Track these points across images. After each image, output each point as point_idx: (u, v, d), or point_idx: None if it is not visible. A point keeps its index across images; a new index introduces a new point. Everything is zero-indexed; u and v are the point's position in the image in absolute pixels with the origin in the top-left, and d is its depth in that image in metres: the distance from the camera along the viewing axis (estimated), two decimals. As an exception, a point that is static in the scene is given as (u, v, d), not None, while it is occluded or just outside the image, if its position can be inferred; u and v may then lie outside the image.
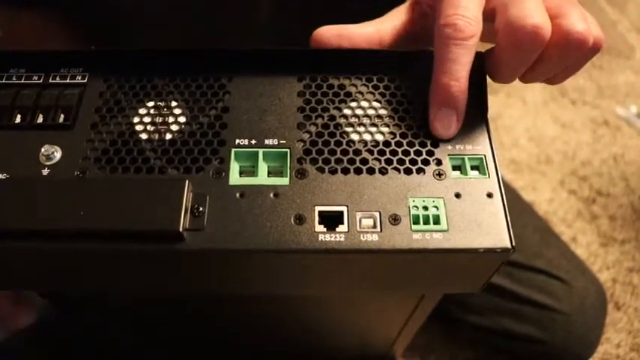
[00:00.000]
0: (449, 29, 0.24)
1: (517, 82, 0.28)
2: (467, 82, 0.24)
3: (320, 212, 0.22)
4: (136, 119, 0.25)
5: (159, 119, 0.25)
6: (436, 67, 0.25)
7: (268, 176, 0.24)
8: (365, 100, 0.26)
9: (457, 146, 0.25)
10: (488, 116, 0.26)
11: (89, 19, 0.44)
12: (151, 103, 0.26)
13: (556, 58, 0.25)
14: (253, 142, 0.24)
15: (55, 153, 0.24)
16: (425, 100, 0.26)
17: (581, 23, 0.25)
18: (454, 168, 0.24)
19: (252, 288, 0.26)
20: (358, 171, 0.24)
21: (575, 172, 0.90)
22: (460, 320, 0.62)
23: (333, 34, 0.27)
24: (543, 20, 0.24)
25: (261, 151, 0.24)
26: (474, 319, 0.61)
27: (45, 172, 0.23)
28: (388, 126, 0.25)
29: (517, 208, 0.65)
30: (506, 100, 1.00)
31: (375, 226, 0.22)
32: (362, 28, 0.28)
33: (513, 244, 0.22)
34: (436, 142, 0.25)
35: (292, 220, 0.22)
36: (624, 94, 1.04)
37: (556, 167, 0.91)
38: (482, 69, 0.26)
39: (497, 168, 0.24)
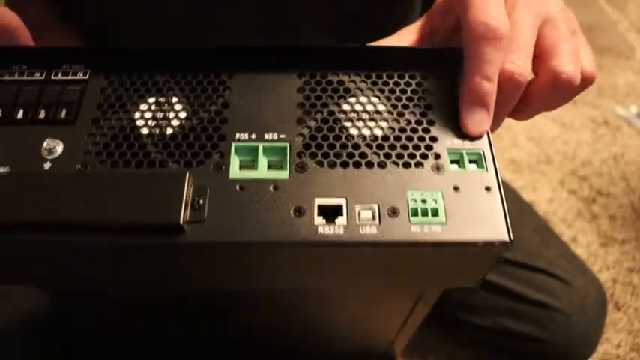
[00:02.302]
0: (482, 28, 0.25)
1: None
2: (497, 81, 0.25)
3: (319, 205, 0.23)
4: (137, 114, 0.25)
5: (160, 114, 0.25)
6: (470, 66, 0.25)
7: (268, 170, 0.24)
8: (364, 95, 0.26)
9: (456, 141, 0.25)
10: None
11: (87, 15, 0.44)
12: (151, 99, 0.26)
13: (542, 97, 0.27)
14: (253, 136, 0.25)
15: (57, 147, 0.24)
16: (423, 96, 0.26)
17: (570, 64, 0.26)
18: (452, 162, 0.24)
19: (251, 282, 0.26)
20: (357, 165, 0.24)
21: (575, 172, 0.90)
22: (460, 320, 0.62)
23: None
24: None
25: (261, 145, 0.24)
26: (474, 318, 0.61)
27: (47, 166, 0.24)
28: (387, 121, 0.25)
29: (517, 208, 0.66)
30: (506, 101, 1.00)
31: (373, 219, 0.22)
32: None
33: (512, 237, 0.22)
34: (434, 137, 0.25)
35: (292, 213, 0.22)
36: (624, 94, 1.04)
37: (556, 167, 0.91)
38: None
39: (496, 162, 0.24)
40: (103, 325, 0.43)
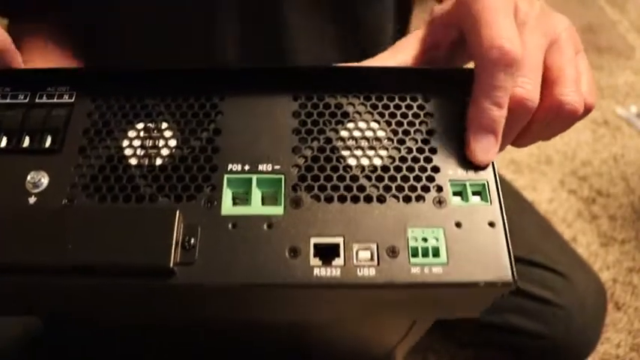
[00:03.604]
0: (495, 53, 0.23)
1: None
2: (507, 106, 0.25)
3: (315, 244, 0.22)
4: (126, 142, 0.24)
5: (149, 142, 0.24)
6: (480, 91, 0.24)
7: (262, 203, 0.23)
8: (363, 120, 0.25)
9: (459, 171, 0.24)
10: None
11: (80, 33, 0.43)
12: (140, 125, 0.25)
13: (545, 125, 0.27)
14: (246, 167, 0.24)
15: (42, 180, 0.23)
16: (424, 120, 0.25)
17: (575, 94, 0.26)
18: (455, 194, 0.23)
19: (243, 316, 0.25)
20: (355, 199, 0.23)
21: (575, 172, 0.90)
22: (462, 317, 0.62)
23: None
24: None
25: (254, 177, 0.23)
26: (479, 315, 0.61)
27: (32, 200, 0.23)
28: (387, 149, 0.24)
29: (518, 205, 0.65)
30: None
31: (372, 259, 0.21)
32: (374, 65, 0.27)
33: (515, 277, 0.21)
34: (436, 167, 0.24)
35: (286, 253, 0.21)
36: (624, 94, 1.03)
37: (556, 167, 0.90)
38: None
39: (500, 194, 0.23)
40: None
